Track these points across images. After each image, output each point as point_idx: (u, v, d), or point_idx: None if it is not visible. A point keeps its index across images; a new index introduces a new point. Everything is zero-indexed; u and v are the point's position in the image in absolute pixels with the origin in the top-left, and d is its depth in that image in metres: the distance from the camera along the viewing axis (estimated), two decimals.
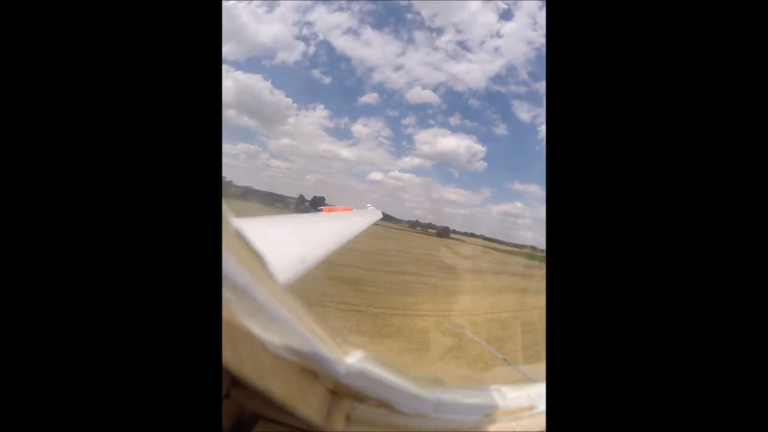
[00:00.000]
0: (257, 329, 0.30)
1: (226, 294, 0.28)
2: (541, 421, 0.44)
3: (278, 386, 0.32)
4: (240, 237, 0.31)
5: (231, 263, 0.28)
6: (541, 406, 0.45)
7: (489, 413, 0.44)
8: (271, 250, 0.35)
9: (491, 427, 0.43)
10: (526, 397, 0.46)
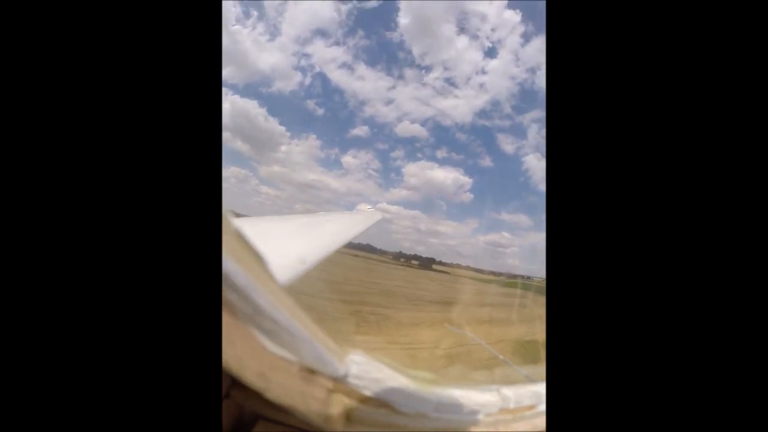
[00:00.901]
0: (257, 329, 0.30)
1: (226, 294, 0.28)
2: (541, 421, 0.44)
3: (278, 386, 0.32)
4: (240, 237, 0.31)
5: (231, 263, 0.28)
6: (541, 406, 0.45)
7: (489, 413, 0.44)
8: (270, 251, 0.35)
9: (491, 427, 0.43)
10: (526, 397, 0.46)
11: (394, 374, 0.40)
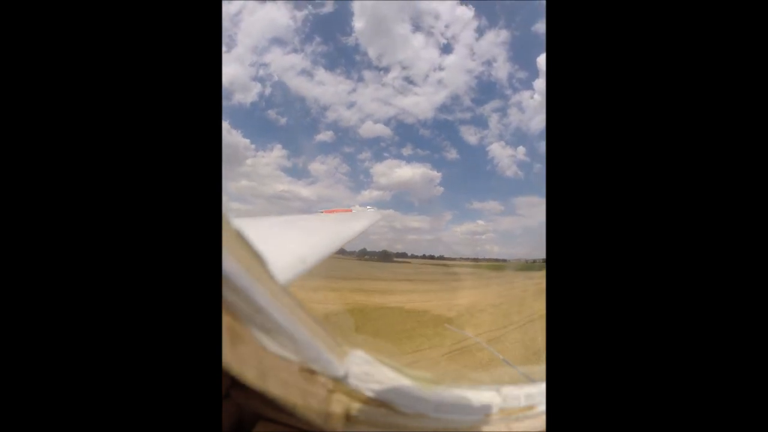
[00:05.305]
0: (257, 329, 0.30)
1: (226, 294, 0.28)
2: (541, 421, 0.44)
3: (278, 386, 0.32)
4: (240, 237, 0.31)
5: (231, 263, 0.28)
6: (541, 406, 0.45)
7: (489, 413, 0.44)
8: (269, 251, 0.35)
9: (491, 427, 0.43)
10: (526, 397, 0.46)
11: (394, 374, 0.40)
